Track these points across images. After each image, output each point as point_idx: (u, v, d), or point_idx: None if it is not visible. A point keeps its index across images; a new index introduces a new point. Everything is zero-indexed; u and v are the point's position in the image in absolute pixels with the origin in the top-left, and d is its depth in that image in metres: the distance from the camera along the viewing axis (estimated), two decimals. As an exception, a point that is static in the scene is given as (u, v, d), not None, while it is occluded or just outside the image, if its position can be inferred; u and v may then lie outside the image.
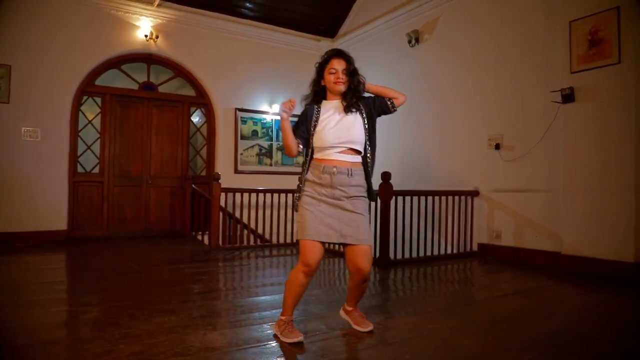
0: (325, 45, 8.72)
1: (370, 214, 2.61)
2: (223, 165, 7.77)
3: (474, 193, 5.82)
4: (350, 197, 2.45)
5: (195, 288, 3.83)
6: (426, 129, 6.75)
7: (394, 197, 5.12)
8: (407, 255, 5.41)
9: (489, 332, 2.70)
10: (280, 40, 8.30)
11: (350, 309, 2.69)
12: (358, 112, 2.54)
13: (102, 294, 3.56)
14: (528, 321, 2.95)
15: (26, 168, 6.29)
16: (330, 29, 8.73)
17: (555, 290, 3.95)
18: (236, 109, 7.92)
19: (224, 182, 6.36)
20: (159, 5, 7.08)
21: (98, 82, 7.02)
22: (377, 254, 5.12)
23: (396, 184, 5.13)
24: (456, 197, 5.75)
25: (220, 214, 6.20)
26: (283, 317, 2.49)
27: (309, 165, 2.51)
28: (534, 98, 5.26)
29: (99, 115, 7.06)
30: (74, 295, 3.65)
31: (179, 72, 7.63)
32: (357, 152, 2.51)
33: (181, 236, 7.23)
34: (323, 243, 2.43)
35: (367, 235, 2.46)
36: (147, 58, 7.33)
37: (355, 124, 2.50)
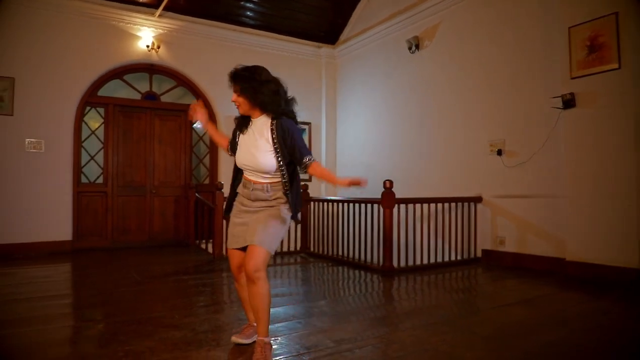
0: (325, 51, 8.76)
1: (287, 224, 2.52)
2: (226, 172, 7.79)
3: (477, 199, 5.81)
4: (270, 206, 2.48)
5: (199, 301, 3.84)
6: (427, 136, 6.75)
7: (396, 205, 5.13)
8: (410, 262, 5.42)
9: (490, 345, 2.69)
10: (280, 48, 8.33)
11: (257, 338, 2.41)
12: (269, 136, 2.43)
13: (105, 308, 3.57)
14: (530, 332, 2.94)
15: (30, 179, 6.33)
16: (330, 36, 8.75)
17: (559, 298, 3.93)
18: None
19: (227, 191, 6.37)
20: (160, 16, 7.13)
21: (101, 92, 7.06)
22: (381, 262, 5.13)
23: (398, 191, 5.13)
24: (459, 204, 5.74)
25: (224, 222, 6.20)
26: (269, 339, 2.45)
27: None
28: (535, 104, 5.26)
29: (102, 126, 7.10)
30: (78, 309, 3.66)
31: (181, 81, 7.66)
32: (271, 175, 2.48)
33: (185, 245, 7.25)
34: (242, 250, 2.50)
35: (259, 237, 2.34)
36: (149, 68, 7.37)
37: (261, 149, 2.43)
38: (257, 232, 2.37)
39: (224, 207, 2.71)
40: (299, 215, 2.59)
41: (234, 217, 2.55)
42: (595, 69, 4.54)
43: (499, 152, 5.60)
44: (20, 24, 6.28)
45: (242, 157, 2.50)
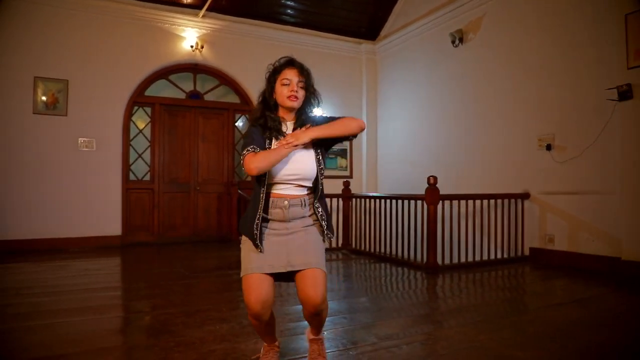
0: (366, 48, 8.70)
1: (324, 242, 2.18)
2: (267, 170, 7.87)
3: (524, 195, 5.63)
4: (306, 226, 2.10)
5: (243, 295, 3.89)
6: (472, 131, 6.59)
7: (440, 201, 5.03)
8: (455, 260, 5.31)
9: (542, 345, 2.60)
10: (321, 45, 8.34)
11: (311, 337, 2.24)
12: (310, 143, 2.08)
13: (155, 300, 3.68)
14: (583, 332, 2.82)
15: (83, 177, 6.62)
16: (371, 32, 8.69)
17: (614, 299, 3.76)
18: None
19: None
20: (203, 16, 7.28)
21: (147, 92, 7.28)
22: (425, 259, 5.06)
23: (442, 187, 5.03)
24: (505, 200, 5.58)
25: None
26: (265, 345, 2.24)
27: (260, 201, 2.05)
28: (587, 96, 5.03)
29: (149, 125, 7.33)
30: (129, 301, 3.80)
31: (224, 80, 7.80)
32: (307, 187, 2.11)
33: (227, 241, 7.38)
34: (274, 280, 2.03)
35: (318, 259, 2.04)
36: (193, 68, 7.54)
37: (306, 156, 2.06)
38: (314, 251, 2.04)
39: (242, 224, 2.11)
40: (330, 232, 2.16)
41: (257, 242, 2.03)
42: (654, 58, 4.30)
43: (549, 147, 5.40)
44: (73, 29, 6.56)
45: (289, 167, 2.03)
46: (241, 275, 2.02)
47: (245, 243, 2.08)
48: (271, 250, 2.02)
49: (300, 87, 2.09)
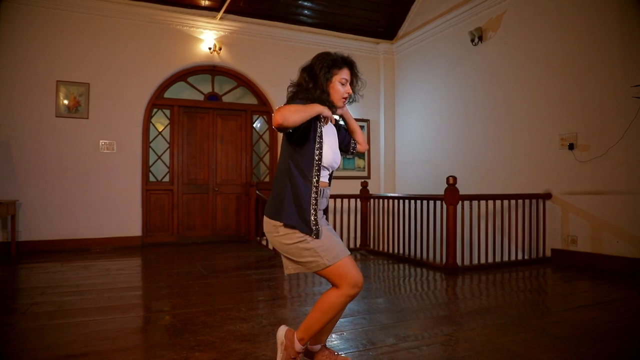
0: (383, 47, 8.67)
1: None
2: (285, 171, 7.89)
3: (546, 196, 5.54)
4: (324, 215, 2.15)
5: (262, 295, 3.91)
6: (492, 130, 6.51)
7: (460, 202, 4.98)
8: (474, 261, 5.25)
9: (567, 347, 2.55)
10: (338, 45, 8.31)
11: (318, 347, 2.18)
12: (336, 133, 2.22)
13: (175, 300, 3.72)
14: (608, 336, 2.76)
15: (104, 178, 6.73)
16: (388, 31, 8.65)
17: (639, 302, 3.67)
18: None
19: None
20: (221, 19, 7.34)
21: (166, 94, 7.37)
22: (444, 260, 5.01)
23: (461, 187, 4.98)
24: (526, 201, 5.50)
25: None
26: (301, 346, 2.06)
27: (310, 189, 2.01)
28: (611, 94, 4.93)
29: (168, 126, 7.41)
30: (149, 300, 3.84)
31: (242, 81, 7.85)
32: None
33: (246, 241, 7.43)
34: None
35: None
36: (211, 70, 7.61)
37: (337, 148, 2.19)
38: None
39: (293, 214, 1.99)
40: None
41: (323, 229, 2.04)
42: (681, 54, 4.19)
43: (571, 146, 5.30)
44: (94, 33, 6.68)
45: (334, 155, 2.11)
46: (335, 261, 1.95)
47: (308, 236, 1.97)
48: (335, 238, 2.06)
49: (350, 88, 2.13)
